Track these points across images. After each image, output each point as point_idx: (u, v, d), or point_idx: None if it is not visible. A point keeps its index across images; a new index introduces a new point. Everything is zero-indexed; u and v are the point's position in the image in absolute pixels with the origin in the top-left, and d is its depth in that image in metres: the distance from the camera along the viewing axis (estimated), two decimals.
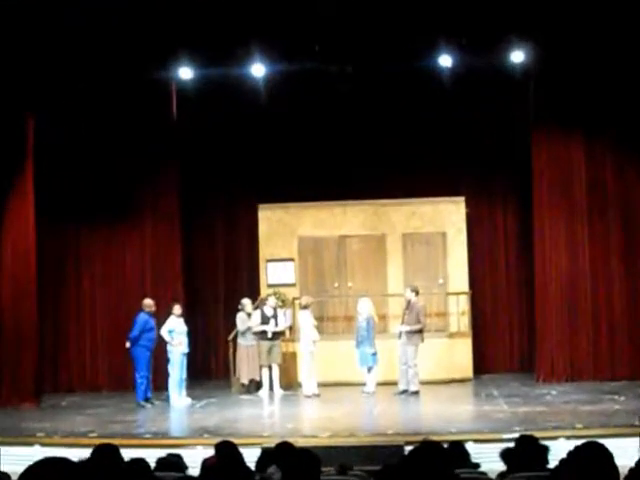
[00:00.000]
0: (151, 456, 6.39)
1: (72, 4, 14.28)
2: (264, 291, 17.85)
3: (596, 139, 16.82)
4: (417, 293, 15.99)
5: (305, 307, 16.28)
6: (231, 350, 17.20)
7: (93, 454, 4.76)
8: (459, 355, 17.35)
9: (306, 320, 16.13)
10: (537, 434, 7.19)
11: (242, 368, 16.64)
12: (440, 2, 14.86)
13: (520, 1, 15.09)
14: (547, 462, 6.13)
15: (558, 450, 6.42)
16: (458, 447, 7.48)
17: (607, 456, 3.37)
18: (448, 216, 18.11)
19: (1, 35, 14.80)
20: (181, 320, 15.94)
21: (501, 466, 6.43)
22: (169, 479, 5.14)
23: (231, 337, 17.22)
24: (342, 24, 15.09)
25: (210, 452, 7.12)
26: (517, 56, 15.85)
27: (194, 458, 7.86)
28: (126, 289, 17.68)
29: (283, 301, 17.50)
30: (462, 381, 17.00)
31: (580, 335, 16.72)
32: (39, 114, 16.09)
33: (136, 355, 15.51)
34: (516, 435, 8.42)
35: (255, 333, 16.50)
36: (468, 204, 18.17)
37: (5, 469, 8.00)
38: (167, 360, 15.73)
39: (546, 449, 6.20)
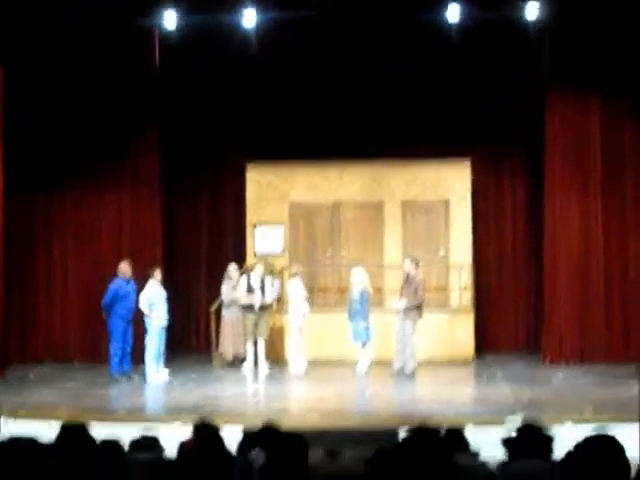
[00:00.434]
0: (124, 435, 6.38)
1: None
2: (251, 259, 17.83)
3: (614, 103, 16.74)
4: (417, 265, 15.95)
5: (295, 275, 16.25)
6: (213, 322, 17.22)
7: (60, 434, 4.75)
8: (460, 333, 17.37)
9: (296, 290, 16.13)
10: (542, 420, 7.20)
11: (225, 342, 16.66)
12: None
13: None
14: (551, 451, 6.14)
15: (564, 438, 6.44)
16: (456, 433, 7.49)
17: (618, 450, 3.36)
18: (451, 183, 18.07)
19: None
20: (160, 286, 15.88)
21: (502, 453, 6.44)
22: (143, 461, 5.14)
23: (214, 308, 17.23)
24: None
25: (188, 432, 7.12)
26: (531, 10, 15.75)
27: (171, 438, 7.87)
28: (101, 257, 17.53)
29: (271, 270, 17.49)
30: (463, 361, 17.03)
31: (591, 314, 16.74)
32: (8, 66, 15.91)
33: (110, 325, 15.52)
34: (519, 421, 8.45)
35: (241, 305, 16.49)
36: (473, 170, 18.10)
37: None
38: (145, 331, 15.72)
39: (551, 438, 6.21)
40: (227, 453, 6.03)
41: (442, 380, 15.26)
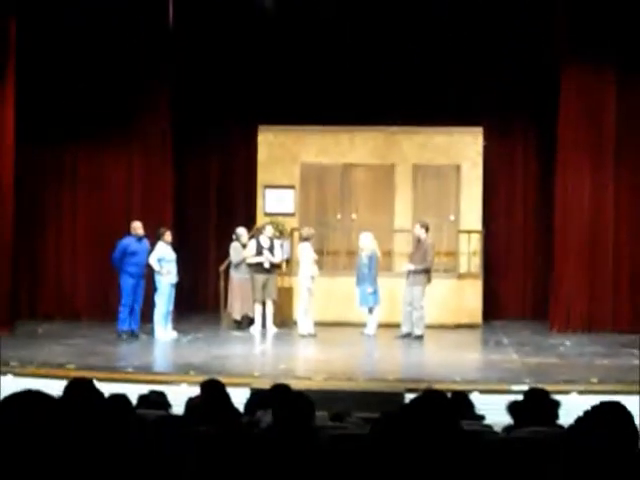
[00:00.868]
0: (132, 392, 6.42)
1: None
2: (261, 220, 17.83)
3: (629, 73, 16.52)
4: (427, 229, 15.93)
5: (306, 239, 16.24)
6: (222, 282, 17.24)
7: (67, 389, 4.76)
8: (468, 298, 17.39)
9: (306, 253, 16.11)
10: (548, 387, 7.21)
11: (234, 303, 16.68)
12: None
13: None
14: (557, 417, 6.15)
15: (569, 406, 6.45)
16: (462, 397, 7.52)
17: (627, 416, 3.36)
18: (463, 148, 18.02)
19: None
20: (170, 248, 15.89)
21: (508, 419, 6.46)
22: (151, 417, 5.17)
23: (223, 268, 17.24)
24: None
25: (195, 391, 7.16)
26: None
27: (178, 396, 7.92)
28: (111, 213, 17.57)
29: (281, 231, 17.49)
30: (470, 326, 17.06)
31: (600, 282, 16.70)
32: (21, 18, 15.85)
33: (120, 282, 15.54)
34: (525, 387, 8.48)
35: (250, 265, 16.49)
36: (486, 136, 18.05)
37: None
38: (154, 289, 15.74)
39: (557, 404, 6.22)
40: (234, 412, 6.06)
41: (449, 345, 15.24)
